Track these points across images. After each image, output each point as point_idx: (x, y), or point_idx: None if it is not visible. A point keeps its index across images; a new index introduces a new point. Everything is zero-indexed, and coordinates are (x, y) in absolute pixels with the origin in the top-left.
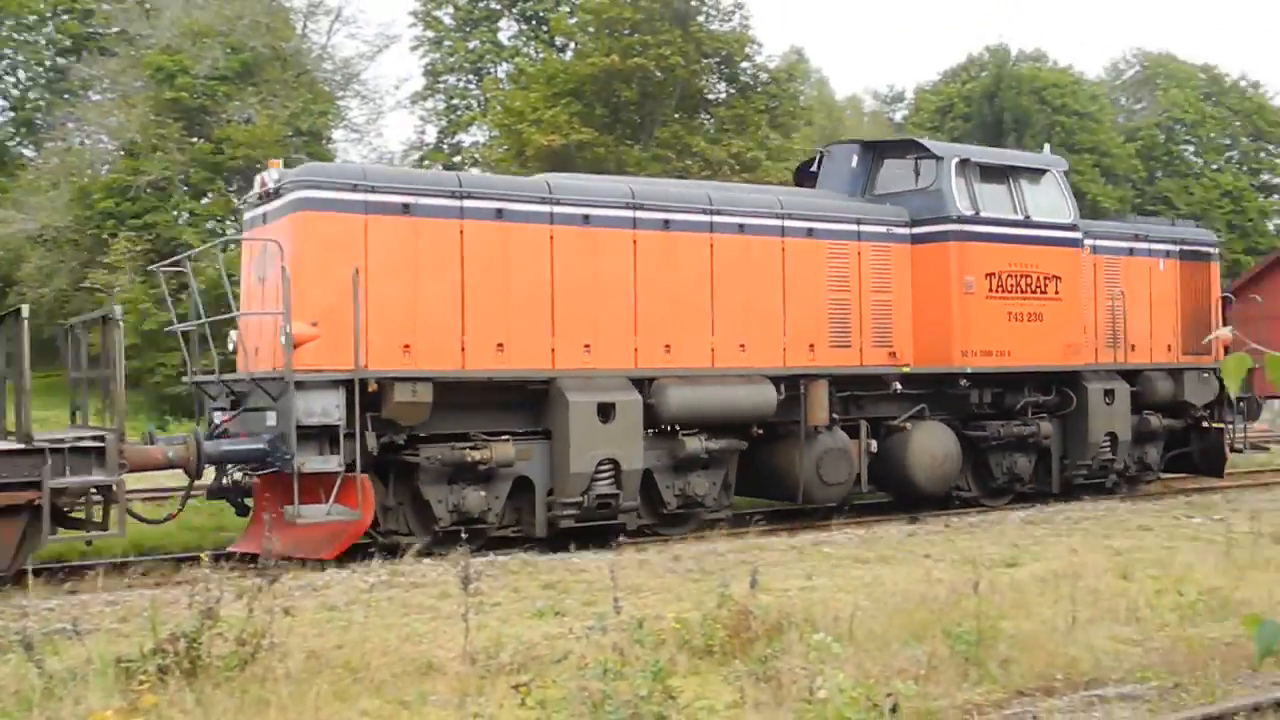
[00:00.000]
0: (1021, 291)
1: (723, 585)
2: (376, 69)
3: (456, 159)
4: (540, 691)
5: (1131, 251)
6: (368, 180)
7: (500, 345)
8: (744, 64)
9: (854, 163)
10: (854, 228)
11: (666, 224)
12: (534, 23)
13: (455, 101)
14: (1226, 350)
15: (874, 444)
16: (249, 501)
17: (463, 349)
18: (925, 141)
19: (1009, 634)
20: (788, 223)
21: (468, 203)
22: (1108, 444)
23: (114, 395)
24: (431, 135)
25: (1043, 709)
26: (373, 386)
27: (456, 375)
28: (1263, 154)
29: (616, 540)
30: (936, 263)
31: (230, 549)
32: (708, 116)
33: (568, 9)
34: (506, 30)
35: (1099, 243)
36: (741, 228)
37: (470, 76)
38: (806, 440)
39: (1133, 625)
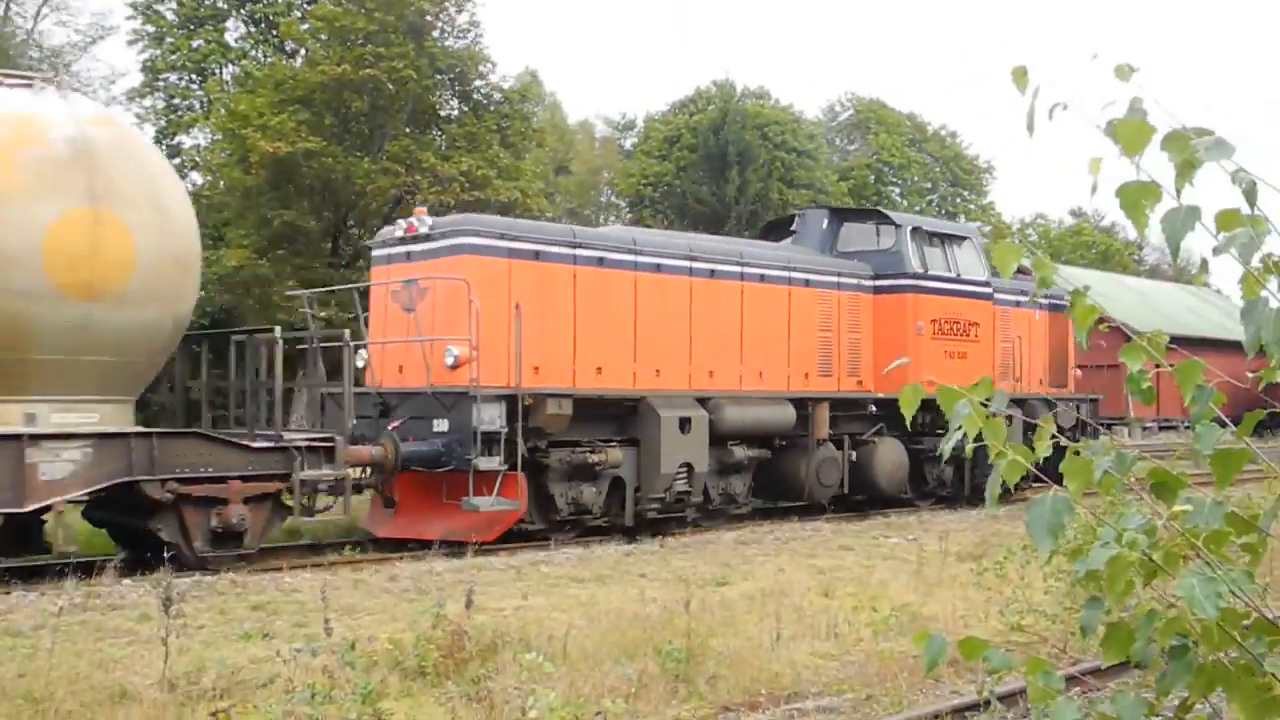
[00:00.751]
0: (954, 335)
1: (438, 605)
2: (90, 61)
3: (176, 161)
4: (242, 718)
5: (1018, 304)
6: (512, 231)
7: (599, 369)
8: (478, 82)
9: (824, 225)
10: (835, 279)
11: (712, 273)
12: (263, 25)
13: (176, 101)
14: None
15: (855, 454)
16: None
17: (573, 371)
18: (886, 211)
19: (718, 651)
20: (793, 274)
21: (580, 251)
22: None
23: (345, 402)
24: (149, 134)
25: None
26: (529, 400)
27: (586, 393)
28: (959, 198)
29: (675, 529)
30: (896, 309)
31: (378, 535)
32: (439, 132)
33: (299, 14)
34: (234, 31)
35: (999, 296)
36: (762, 277)
37: (193, 76)
38: (810, 451)
39: (832, 641)
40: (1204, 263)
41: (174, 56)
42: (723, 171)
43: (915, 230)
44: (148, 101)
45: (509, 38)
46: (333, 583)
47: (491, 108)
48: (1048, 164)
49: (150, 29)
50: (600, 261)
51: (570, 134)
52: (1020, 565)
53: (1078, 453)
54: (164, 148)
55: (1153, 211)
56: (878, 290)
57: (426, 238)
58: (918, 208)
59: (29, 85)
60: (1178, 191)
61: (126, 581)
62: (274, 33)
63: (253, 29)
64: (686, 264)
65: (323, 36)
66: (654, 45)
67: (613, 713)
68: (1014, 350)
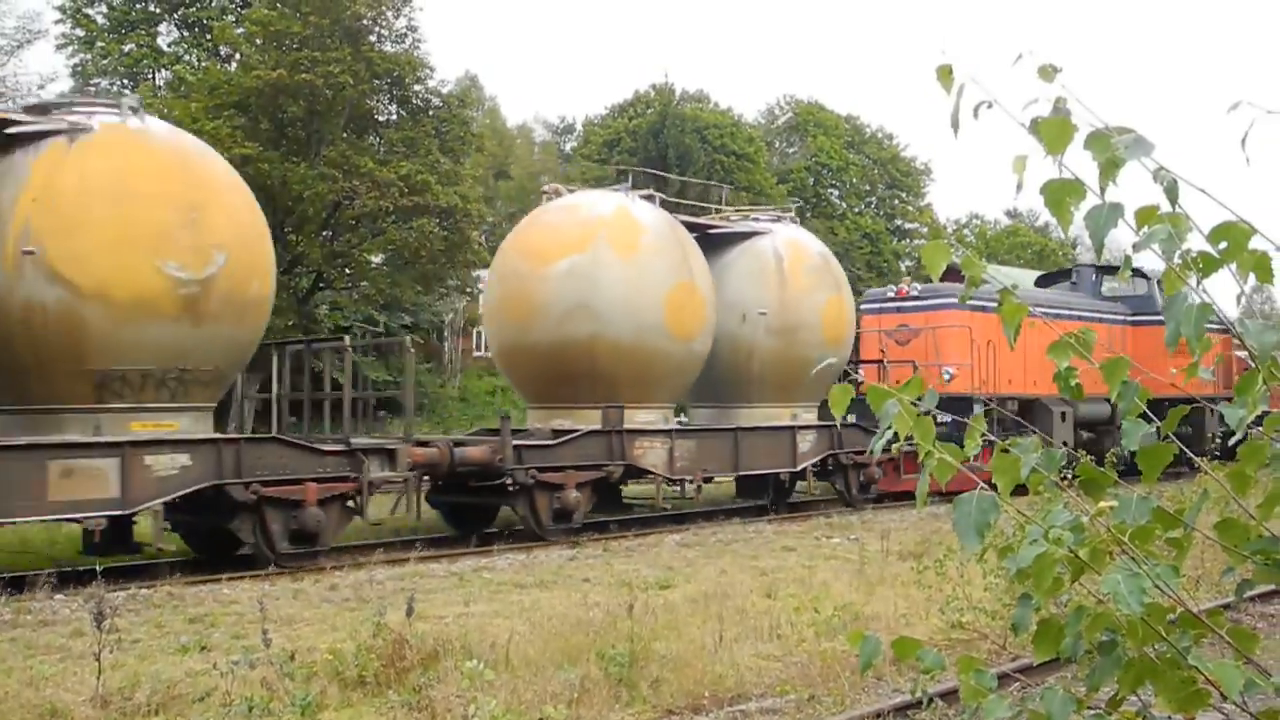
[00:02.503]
0: (1187, 354)
1: (379, 614)
2: (17, 65)
3: None
4: None
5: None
6: (981, 297)
7: (1010, 380)
8: (416, 87)
9: (1092, 277)
10: (1104, 316)
11: (1058, 316)
12: (196, 30)
13: None
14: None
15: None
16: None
17: (994, 382)
18: (1139, 267)
19: (661, 655)
20: (1078, 312)
21: (981, 301)
22: None
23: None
24: None
25: None
26: (990, 402)
27: (1022, 396)
28: (896, 200)
29: (619, 533)
30: (1148, 337)
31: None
32: (377, 137)
33: (233, 18)
34: (166, 36)
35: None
36: (1058, 316)
37: (125, 81)
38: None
39: (775, 642)
40: (1127, 259)
41: (105, 61)
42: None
43: (1159, 281)
44: None
45: (448, 42)
46: (271, 593)
47: (430, 112)
48: (984, 166)
49: (80, 33)
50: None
51: (509, 138)
52: (960, 563)
53: (1006, 450)
54: None
55: (1077, 209)
56: (1135, 324)
57: (916, 297)
58: (857, 209)
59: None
60: (1101, 189)
61: (59, 597)
62: (208, 37)
63: (186, 33)
64: (1054, 310)
65: (258, 41)
66: (592, 49)
67: (555, 719)
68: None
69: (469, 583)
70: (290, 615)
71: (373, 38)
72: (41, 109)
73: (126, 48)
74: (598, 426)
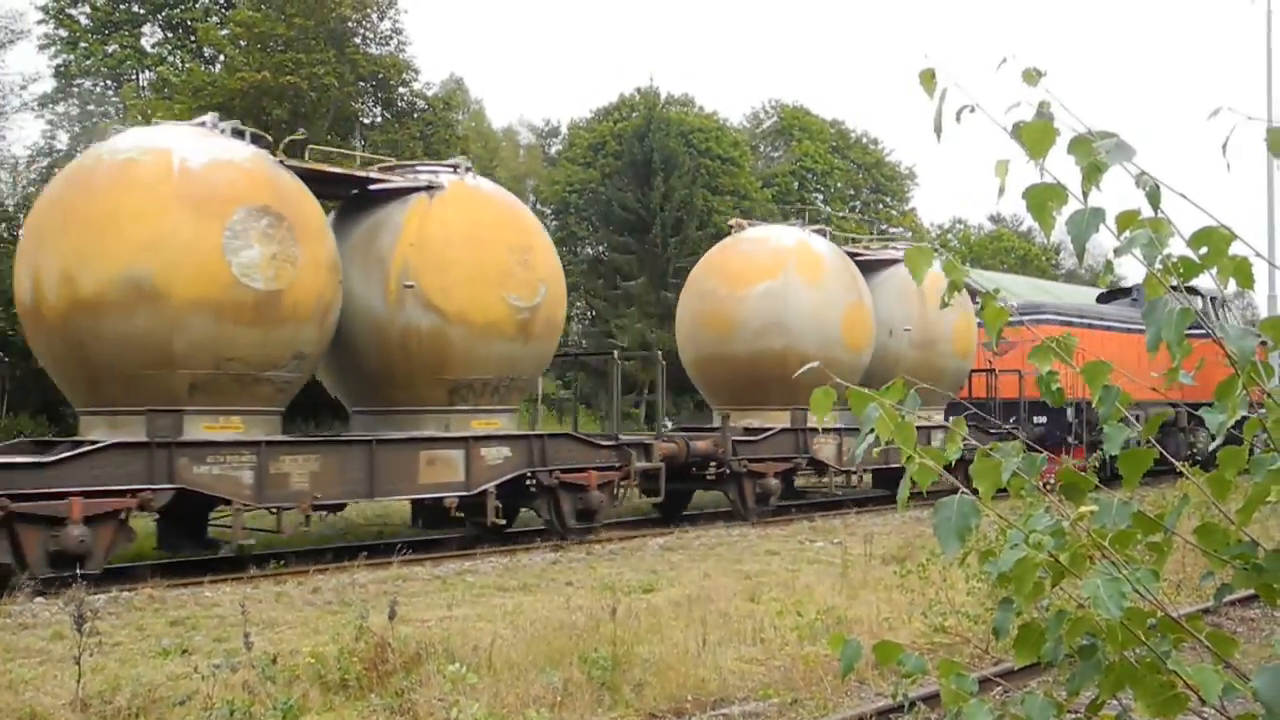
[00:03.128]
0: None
1: (361, 617)
2: None
3: None
4: None
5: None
6: (1061, 310)
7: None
8: (401, 89)
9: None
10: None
11: (1127, 330)
12: (180, 31)
13: (91, 107)
14: None
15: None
16: None
17: (1080, 388)
18: (1196, 285)
19: (644, 658)
20: (1139, 327)
21: (1083, 319)
22: None
23: (658, 409)
24: (63, 141)
25: None
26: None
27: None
28: (880, 205)
29: (604, 536)
30: (1200, 351)
31: None
32: (362, 139)
33: (218, 20)
34: (150, 36)
35: None
36: (1127, 330)
37: (109, 82)
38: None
39: (758, 646)
40: (1108, 264)
41: (88, 62)
42: (647, 179)
43: (1212, 299)
44: (61, 108)
45: (433, 44)
46: (254, 596)
47: (415, 115)
48: (968, 172)
49: (63, 33)
50: (1089, 325)
51: (495, 140)
52: (943, 568)
53: (987, 454)
54: (79, 154)
55: (1059, 213)
56: (1189, 338)
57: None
58: (841, 213)
59: None
60: (1084, 194)
61: (39, 600)
62: (192, 38)
63: (170, 34)
64: (1123, 325)
65: (242, 43)
66: (577, 52)
67: None
68: None
69: (452, 586)
70: (272, 618)
71: (357, 40)
72: (388, 168)
73: (110, 48)
74: (787, 425)
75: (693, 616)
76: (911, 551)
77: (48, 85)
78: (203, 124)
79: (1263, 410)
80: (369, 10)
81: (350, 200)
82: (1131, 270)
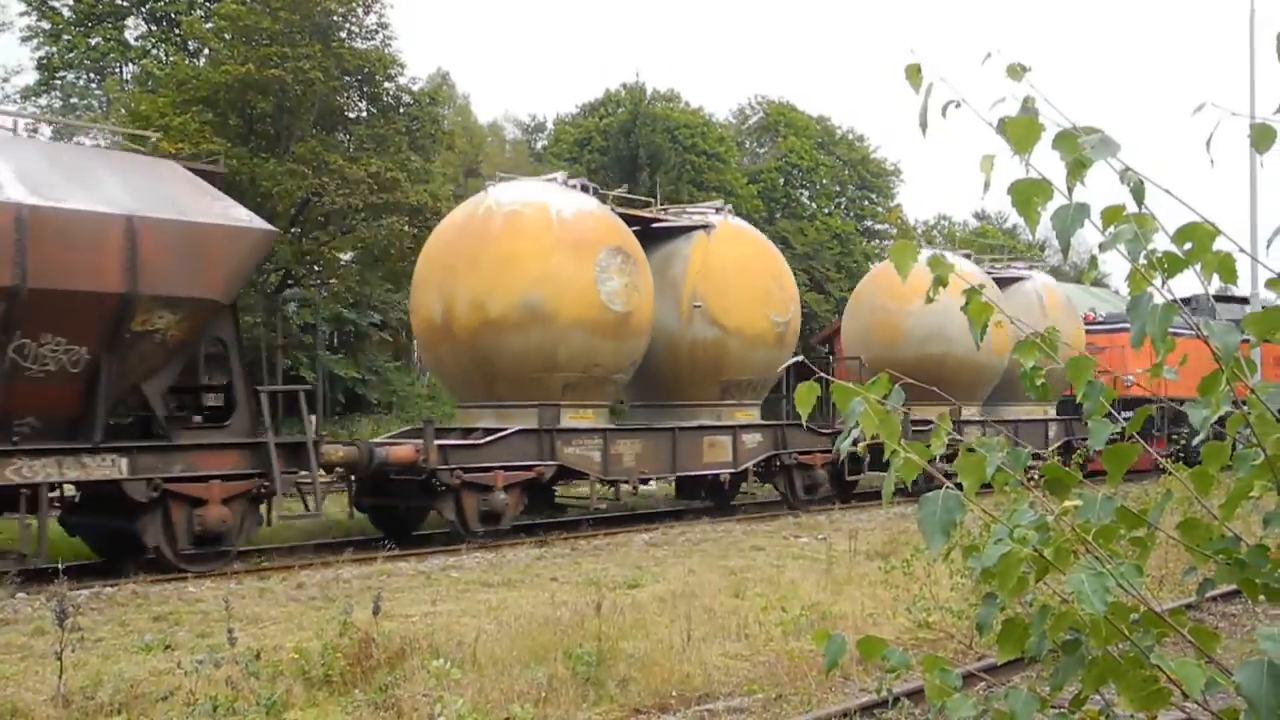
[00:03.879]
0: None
1: (345, 612)
2: None
3: None
4: None
5: None
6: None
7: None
8: (386, 84)
9: (1210, 304)
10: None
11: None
12: (164, 24)
13: (74, 100)
14: None
15: None
16: None
17: (1159, 387)
18: (1245, 295)
19: (628, 654)
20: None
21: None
22: None
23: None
24: (46, 134)
25: None
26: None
27: (1180, 398)
28: (866, 201)
29: (589, 531)
30: (1269, 355)
31: None
32: (347, 134)
33: (202, 13)
34: (134, 29)
35: None
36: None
37: (92, 75)
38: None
39: (742, 641)
40: (1092, 259)
41: (71, 54)
42: (633, 174)
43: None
44: (43, 100)
45: (419, 38)
46: (238, 591)
47: (400, 109)
48: (953, 168)
49: (46, 25)
50: (1176, 333)
51: (480, 136)
52: (927, 563)
53: (972, 450)
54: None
55: (1044, 209)
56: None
57: (1102, 322)
58: (827, 210)
59: None
60: (1069, 190)
61: (21, 595)
62: (176, 31)
63: (154, 27)
64: (1188, 332)
65: (226, 36)
66: (563, 47)
67: (521, 718)
68: None
69: (436, 581)
70: (256, 614)
71: (343, 34)
72: (663, 210)
73: (93, 41)
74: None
75: (678, 612)
76: (896, 547)
77: (30, 78)
78: (554, 179)
79: (1246, 406)
80: (354, 4)
81: (638, 235)
82: (1116, 267)
